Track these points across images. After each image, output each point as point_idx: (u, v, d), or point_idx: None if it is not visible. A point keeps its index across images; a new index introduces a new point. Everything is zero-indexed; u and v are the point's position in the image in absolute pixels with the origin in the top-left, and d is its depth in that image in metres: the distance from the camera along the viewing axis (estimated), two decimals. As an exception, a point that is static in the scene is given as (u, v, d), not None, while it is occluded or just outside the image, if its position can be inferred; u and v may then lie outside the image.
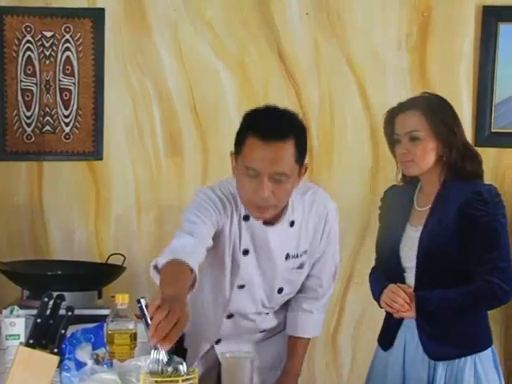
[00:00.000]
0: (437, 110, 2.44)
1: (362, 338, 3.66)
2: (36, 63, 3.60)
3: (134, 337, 2.07)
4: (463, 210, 2.37)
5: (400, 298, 2.40)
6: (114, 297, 2.12)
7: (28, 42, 3.58)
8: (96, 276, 3.00)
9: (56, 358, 1.87)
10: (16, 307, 2.14)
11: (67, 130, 3.63)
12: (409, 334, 2.47)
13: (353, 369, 3.70)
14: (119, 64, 3.65)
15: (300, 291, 2.47)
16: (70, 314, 1.94)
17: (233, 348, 2.34)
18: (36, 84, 3.60)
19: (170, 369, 1.85)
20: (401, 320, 2.47)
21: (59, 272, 2.94)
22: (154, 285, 3.64)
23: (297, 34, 3.69)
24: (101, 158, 3.65)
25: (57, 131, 3.62)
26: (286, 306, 2.51)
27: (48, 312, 1.94)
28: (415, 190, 2.53)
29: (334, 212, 2.43)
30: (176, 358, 1.88)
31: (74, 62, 3.61)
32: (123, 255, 3.08)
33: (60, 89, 3.61)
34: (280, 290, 2.41)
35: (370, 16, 3.71)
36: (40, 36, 3.59)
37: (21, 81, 3.59)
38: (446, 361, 2.41)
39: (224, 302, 2.37)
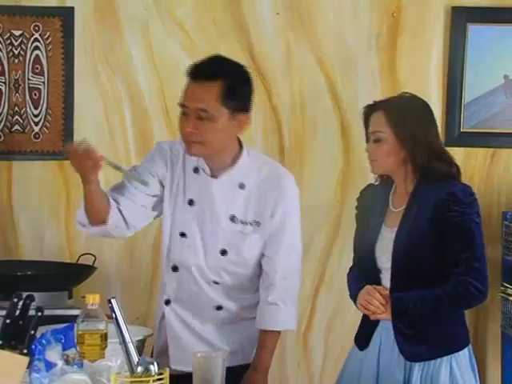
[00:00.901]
0: (398, 111, 2.44)
1: (334, 338, 3.67)
2: (5, 62, 3.56)
3: (104, 337, 2.06)
4: (437, 211, 2.37)
5: (375, 300, 2.41)
6: (84, 297, 2.11)
7: (-4, 40, 3.55)
8: (66, 276, 2.98)
9: (25, 359, 1.86)
10: (-15, 308, 2.12)
11: (37, 129, 3.60)
12: (385, 335, 2.47)
13: (324, 368, 3.71)
14: (89, 63, 3.63)
15: (261, 282, 2.48)
16: (39, 314, 1.93)
17: (188, 319, 2.46)
18: (5, 83, 3.57)
19: (140, 369, 1.85)
20: (377, 320, 2.47)
21: (29, 272, 2.92)
22: (125, 285, 3.65)
23: (268, 33, 3.70)
24: (71, 158, 3.62)
25: (26, 130, 3.60)
26: (245, 292, 2.50)
27: (17, 312, 1.92)
28: (390, 190, 2.53)
29: (291, 192, 2.48)
30: (147, 358, 1.88)
31: (44, 61, 3.58)
32: (94, 255, 3.07)
33: (29, 88, 3.59)
34: (223, 252, 2.44)
35: (340, 16, 3.73)
36: (9, 35, 3.56)
37: (-11, 80, 3.56)
38: (422, 362, 2.42)
39: (167, 249, 2.48)
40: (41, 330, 1.96)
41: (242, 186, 2.44)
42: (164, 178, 2.50)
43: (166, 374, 1.85)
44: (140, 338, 2.37)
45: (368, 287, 2.44)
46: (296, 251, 2.52)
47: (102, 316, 2.07)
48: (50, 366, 1.89)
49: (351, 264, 2.64)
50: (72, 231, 3.53)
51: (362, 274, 2.53)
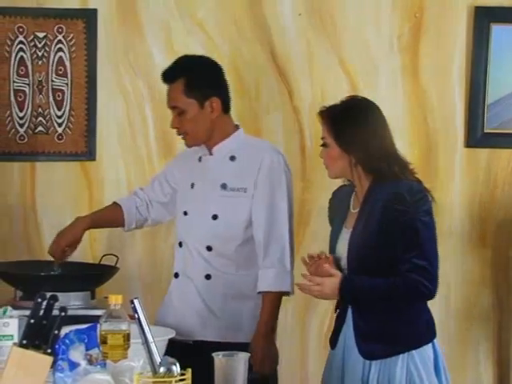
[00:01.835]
0: (336, 118, 2.49)
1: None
2: (29, 64, 3.59)
3: (127, 337, 2.07)
4: (384, 211, 2.40)
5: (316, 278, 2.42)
6: (107, 297, 2.12)
7: (20, 42, 3.58)
8: (89, 277, 2.99)
9: (49, 359, 1.87)
10: (9, 308, 2.14)
11: (60, 130, 3.63)
12: (348, 334, 2.50)
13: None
14: (112, 64, 3.65)
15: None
16: (63, 314, 1.93)
17: (188, 290, 2.73)
18: (28, 85, 3.60)
19: (162, 369, 1.86)
20: (343, 320, 2.51)
21: (52, 273, 2.93)
22: (147, 285, 3.66)
23: (289, 34, 3.69)
24: (93, 159, 3.65)
25: (49, 132, 3.62)
26: (238, 265, 2.70)
27: (41, 312, 1.93)
28: (353, 192, 2.58)
29: (271, 162, 2.71)
30: (169, 359, 1.89)
31: (67, 63, 3.61)
32: (116, 256, 3.07)
33: (53, 89, 3.61)
34: (215, 217, 2.71)
35: (362, 16, 3.72)
36: (32, 37, 3.58)
37: (13, 81, 3.58)
38: (379, 360, 2.43)
39: (177, 229, 2.85)
40: (64, 330, 1.96)
41: (232, 159, 2.75)
42: (176, 180, 2.91)
43: (189, 375, 1.86)
44: (162, 338, 2.37)
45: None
46: (281, 216, 2.71)
47: (124, 316, 2.07)
48: (73, 365, 1.90)
49: None
50: (94, 232, 3.54)
51: None
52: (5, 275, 2.93)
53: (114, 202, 2.98)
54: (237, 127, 2.82)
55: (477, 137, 3.77)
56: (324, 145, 2.52)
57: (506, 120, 3.76)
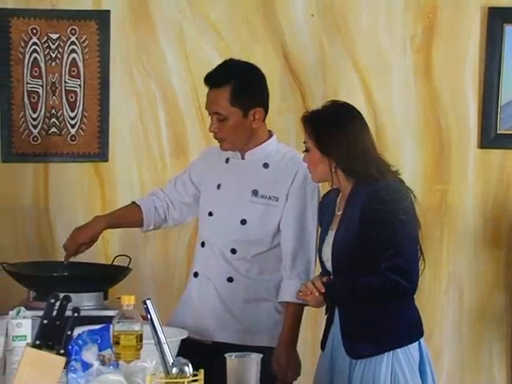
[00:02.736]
0: (314, 122, 2.54)
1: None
2: (42, 65, 3.61)
3: (140, 338, 2.07)
4: (363, 211, 2.44)
5: (310, 284, 2.47)
6: (119, 298, 2.12)
7: (34, 44, 3.59)
8: (102, 277, 2.99)
9: (62, 359, 1.88)
10: (23, 308, 2.14)
11: (73, 131, 3.64)
12: (336, 334, 2.54)
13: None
14: (124, 66, 3.66)
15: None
16: (76, 315, 1.94)
17: (207, 291, 2.73)
18: (42, 86, 3.61)
19: (175, 370, 1.86)
20: (332, 321, 2.55)
21: (65, 273, 2.94)
22: (160, 286, 3.66)
23: (302, 35, 3.69)
24: (106, 160, 3.66)
25: (63, 133, 3.63)
26: (261, 270, 2.70)
27: (54, 313, 1.94)
28: (339, 195, 2.61)
29: (305, 175, 2.67)
30: (181, 359, 1.89)
31: (80, 64, 3.62)
32: (129, 256, 3.08)
33: (66, 91, 3.62)
34: (243, 222, 2.69)
35: (375, 17, 3.71)
36: (46, 38, 3.60)
37: (27, 83, 3.60)
38: (364, 359, 2.46)
39: (199, 228, 2.84)
40: (77, 330, 1.97)
41: (265, 166, 2.73)
42: (201, 180, 2.86)
43: (201, 376, 1.86)
44: (175, 339, 2.38)
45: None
46: (309, 230, 2.70)
47: (137, 317, 2.08)
48: (86, 366, 1.90)
49: None
50: (107, 233, 3.55)
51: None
52: (18, 276, 2.94)
53: (133, 202, 2.95)
54: (270, 134, 2.79)
55: (490, 138, 3.75)
56: (306, 149, 2.56)
57: (520, 121, 3.75)
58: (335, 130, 2.51)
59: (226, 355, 2.05)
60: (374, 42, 3.71)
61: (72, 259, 3.09)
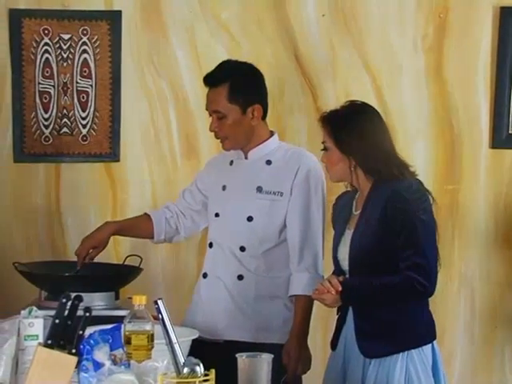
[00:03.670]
0: (335, 122, 2.55)
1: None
2: (54, 65, 3.62)
3: (151, 338, 2.08)
4: (384, 210, 2.44)
5: (327, 281, 2.47)
6: (131, 298, 2.13)
7: (46, 44, 3.60)
8: (113, 277, 3.00)
9: (74, 359, 1.88)
10: (34, 308, 2.15)
11: (84, 131, 3.65)
12: (349, 334, 2.54)
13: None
14: (136, 66, 3.66)
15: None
16: (87, 314, 1.94)
17: (217, 291, 2.75)
18: (54, 86, 3.62)
19: (186, 369, 1.86)
20: (344, 320, 2.55)
21: (77, 273, 2.95)
22: (171, 286, 3.67)
23: (313, 35, 3.69)
24: (118, 160, 3.67)
25: (74, 133, 3.64)
26: (269, 266, 2.72)
27: (66, 313, 1.94)
28: (356, 195, 2.61)
29: (309, 168, 2.74)
30: (193, 359, 1.89)
31: (91, 64, 3.63)
32: (140, 256, 3.08)
33: (77, 91, 3.63)
34: (250, 218, 2.72)
35: (386, 17, 3.71)
36: (58, 38, 3.61)
37: (39, 83, 3.61)
38: (378, 358, 2.46)
39: (208, 230, 2.88)
40: (88, 330, 1.97)
41: (268, 163, 2.78)
42: (206, 187, 2.92)
43: (212, 376, 1.86)
44: (186, 339, 2.38)
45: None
46: (315, 223, 2.73)
47: (148, 317, 2.08)
48: (97, 365, 1.91)
49: None
50: (118, 232, 3.57)
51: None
52: (30, 275, 2.95)
53: (145, 213, 3.00)
54: (272, 133, 2.84)
55: (502, 138, 3.74)
56: (325, 149, 2.57)
57: (532, 121, 3.73)
58: (355, 128, 2.52)
59: (236, 355, 2.05)
60: (385, 42, 3.71)
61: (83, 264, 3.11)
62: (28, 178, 3.64)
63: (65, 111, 3.63)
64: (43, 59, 3.60)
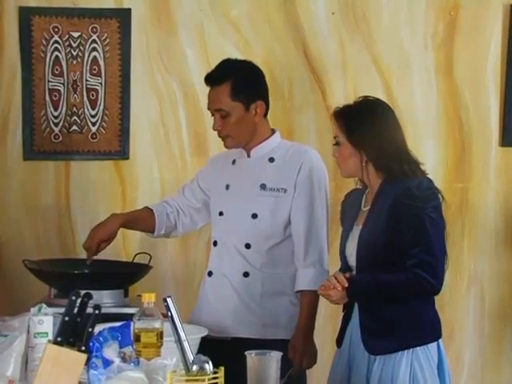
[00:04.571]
0: (348, 117, 2.55)
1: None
2: (63, 63, 3.62)
3: (160, 335, 2.08)
4: (393, 207, 2.44)
5: (333, 278, 2.46)
6: (140, 295, 2.13)
7: (56, 42, 3.61)
8: (123, 275, 3.00)
9: (84, 356, 1.89)
10: (44, 305, 2.16)
11: (94, 129, 3.66)
12: (354, 331, 2.54)
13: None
14: (145, 64, 3.67)
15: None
16: (97, 312, 1.95)
17: (223, 289, 2.76)
18: (63, 84, 3.63)
19: (195, 367, 1.86)
20: (349, 317, 2.56)
21: (86, 271, 2.95)
22: (180, 284, 3.67)
23: (322, 33, 3.69)
24: (127, 158, 3.67)
25: (84, 131, 3.65)
26: (275, 263, 2.73)
27: (75, 310, 1.95)
28: (366, 191, 2.61)
29: (312, 164, 2.76)
30: (202, 357, 1.89)
31: (101, 62, 3.63)
32: (149, 254, 3.09)
33: (87, 89, 3.64)
34: (254, 216, 2.74)
35: (396, 15, 3.70)
36: (67, 36, 3.61)
37: (48, 81, 3.62)
38: (383, 355, 2.46)
39: (211, 229, 2.89)
40: (98, 327, 1.98)
41: (271, 160, 2.79)
42: (209, 186, 2.92)
43: (221, 373, 1.86)
44: (195, 336, 2.38)
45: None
46: (320, 218, 2.75)
47: (157, 314, 2.08)
48: (107, 363, 1.91)
49: None
50: (128, 231, 3.57)
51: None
52: (40, 273, 2.96)
53: (146, 207, 3.00)
54: (273, 131, 2.85)
55: (511, 136, 3.73)
56: (337, 143, 2.57)
57: (542, 119, 3.72)
58: (368, 123, 2.52)
59: (246, 353, 2.05)
60: (395, 40, 3.70)
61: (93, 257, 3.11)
62: (38, 175, 3.65)
63: (74, 109, 3.64)
64: (53, 57, 3.61)
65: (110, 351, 1.93)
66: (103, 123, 3.65)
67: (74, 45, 3.62)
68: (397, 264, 2.44)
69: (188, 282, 3.63)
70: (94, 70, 3.63)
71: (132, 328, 2.06)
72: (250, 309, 2.74)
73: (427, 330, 2.50)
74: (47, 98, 3.61)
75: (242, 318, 2.74)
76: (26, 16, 3.58)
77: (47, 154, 3.63)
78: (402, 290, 2.45)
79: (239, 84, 2.75)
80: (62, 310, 1.97)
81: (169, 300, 1.96)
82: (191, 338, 2.06)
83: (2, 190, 3.64)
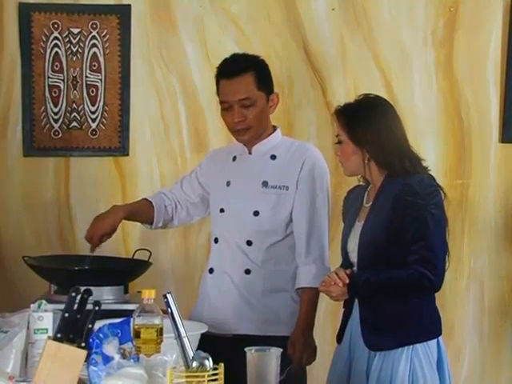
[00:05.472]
0: (349, 115, 2.55)
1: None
2: (63, 59, 3.62)
3: (160, 332, 2.08)
4: (395, 203, 2.45)
5: (334, 274, 2.47)
6: (140, 292, 2.13)
7: (55, 38, 3.61)
8: (122, 271, 3.00)
9: (83, 352, 1.88)
10: (44, 302, 2.16)
11: (94, 125, 3.65)
12: (355, 327, 2.55)
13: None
14: (145, 60, 3.66)
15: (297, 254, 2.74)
16: (97, 308, 1.95)
17: (224, 285, 2.76)
18: (63, 80, 3.63)
19: (195, 363, 1.86)
20: (349, 313, 2.56)
21: (86, 267, 2.95)
22: (180, 280, 3.67)
23: (323, 29, 3.68)
24: (127, 154, 3.67)
25: (83, 127, 3.65)
26: (277, 260, 2.73)
27: (75, 306, 1.95)
28: (368, 188, 2.62)
29: (314, 162, 2.75)
30: (202, 353, 1.89)
31: (101, 59, 3.63)
32: (149, 250, 3.09)
33: (87, 85, 3.64)
34: (256, 213, 2.73)
35: (396, 11, 3.70)
36: (67, 32, 3.61)
37: (48, 77, 3.62)
38: (383, 351, 2.47)
39: (211, 226, 2.89)
40: (98, 324, 1.98)
41: (273, 157, 2.78)
42: (208, 182, 2.91)
43: (221, 369, 1.86)
44: (195, 333, 2.38)
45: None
46: (321, 216, 2.75)
47: (157, 311, 2.09)
48: (107, 359, 1.91)
49: None
50: (128, 227, 3.57)
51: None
52: (39, 269, 2.96)
53: (145, 199, 2.98)
54: (274, 127, 2.85)
55: (512, 132, 3.73)
56: (339, 142, 2.58)
57: (542, 115, 3.72)
58: (369, 121, 2.52)
59: (246, 349, 2.05)
60: (395, 36, 3.70)
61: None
62: (37, 172, 3.65)
63: (74, 105, 3.64)
64: (53, 53, 3.61)
65: (110, 347, 1.93)
66: (103, 119, 3.65)
67: (74, 41, 3.62)
68: (398, 260, 2.44)
69: (188, 278, 3.63)
70: (94, 66, 3.63)
71: (132, 324, 2.06)
72: (250, 306, 2.74)
73: (427, 326, 2.51)
74: (47, 94, 3.61)
75: (242, 314, 2.74)
76: (26, 12, 3.58)
77: (47, 150, 3.63)
78: (402, 286, 2.45)
79: (262, 74, 2.75)
80: (62, 306, 1.96)
81: (169, 296, 1.96)
82: (191, 334, 2.06)
83: (2, 186, 3.64)
